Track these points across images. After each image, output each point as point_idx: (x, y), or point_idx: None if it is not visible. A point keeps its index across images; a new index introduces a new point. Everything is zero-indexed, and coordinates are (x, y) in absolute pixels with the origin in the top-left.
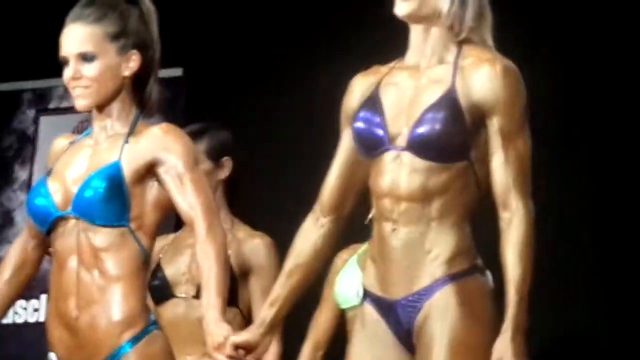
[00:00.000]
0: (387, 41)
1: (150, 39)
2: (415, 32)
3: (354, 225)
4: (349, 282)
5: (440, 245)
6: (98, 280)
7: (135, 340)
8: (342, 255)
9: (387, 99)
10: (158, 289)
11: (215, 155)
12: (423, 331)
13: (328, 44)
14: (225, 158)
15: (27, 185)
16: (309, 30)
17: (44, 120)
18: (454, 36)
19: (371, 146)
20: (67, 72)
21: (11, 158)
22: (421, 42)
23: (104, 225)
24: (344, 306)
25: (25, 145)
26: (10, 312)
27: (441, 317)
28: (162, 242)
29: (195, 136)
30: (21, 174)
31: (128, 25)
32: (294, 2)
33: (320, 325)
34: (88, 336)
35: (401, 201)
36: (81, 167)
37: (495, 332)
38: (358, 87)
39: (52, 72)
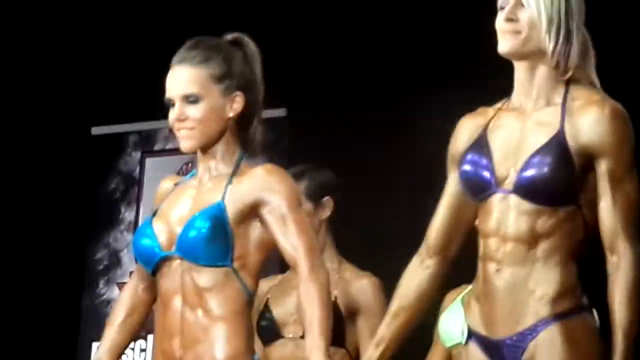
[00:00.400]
0: (490, 82)
1: (254, 80)
2: (519, 70)
3: (462, 264)
4: (453, 320)
5: (544, 285)
6: (202, 319)
7: None
8: (451, 295)
9: (495, 142)
10: (266, 330)
11: (316, 196)
12: None
13: (428, 88)
14: (326, 198)
15: (134, 226)
16: (410, 72)
17: (150, 162)
18: (559, 75)
19: (479, 189)
20: (172, 114)
21: (118, 199)
22: (526, 81)
23: (208, 265)
24: (448, 344)
25: (131, 187)
26: None
27: (547, 357)
28: (270, 282)
29: (296, 177)
30: (127, 215)
31: (232, 67)
32: (396, 45)
33: None
34: None
35: (507, 242)
36: (185, 207)
37: None
38: (465, 130)
39: (157, 114)
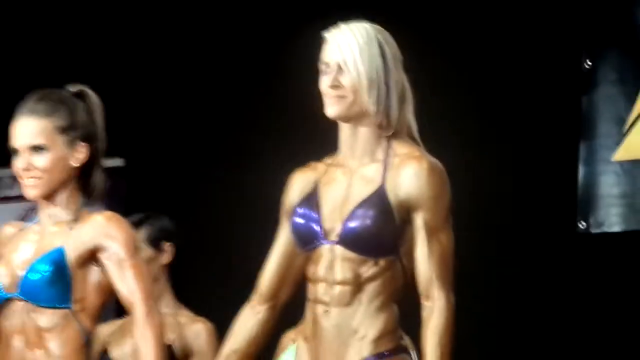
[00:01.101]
0: (318, 136)
1: (96, 130)
2: (345, 130)
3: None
4: None
5: (367, 326)
6: (42, 359)
7: None
8: (289, 334)
9: (324, 196)
10: None
11: (156, 242)
12: None
13: (260, 140)
14: (167, 244)
15: None
16: (243, 126)
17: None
18: (382, 132)
19: (308, 240)
20: (19, 163)
21: None
22: (351, 139)
23: (48, 307)
24: None
25: None
26: None
27: None
28: (110, 327)
29: (136, 225)
30: None
31: (76, 118)
32: (230, 100)
33: None
34: None
35: (335, 286)
36: (28, 252)
37: None
38: (297, 184)
39: (2, 161)
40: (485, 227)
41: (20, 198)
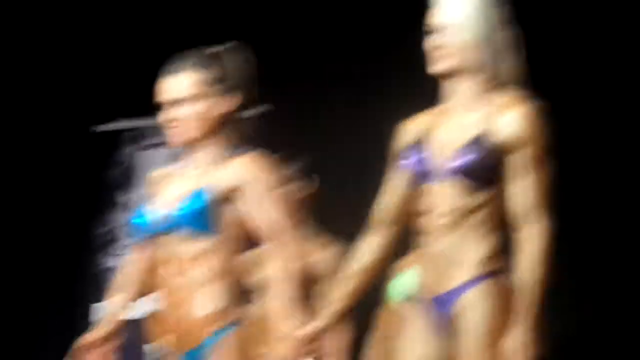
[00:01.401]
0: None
1: (248, 80)
2: (452, 83)
3: (407, 239)
4: (400, 283)
5: (473, 251)
6: (193, 281)
7: (223, 331)
8: (400, 263)
9: (432, 139)
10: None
11: (298, 178)
12: (459, 321)
13: (382, 92)
14: (306, 180)
15: (128, 208)
16: (372, 82)
17: (143, 155)
18: (486, 83)
19: (421, 175)
20: (170, 113)
21: (115, 186)
22: (457, 90)
23: (197, 237)
24: (397, 303)
25: (128, 175)
26: None
27: (474, 309)
28: (252, 255)
29: (280, 162)
30: (123, 199)
31: (225, 71)
32: (361, 53)
33: (384, 320)
34: (184, 327)
35: (445, 215)
36: (179, 189)
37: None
38: (412, 126)
39: (149, 112)
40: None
41: (168, 144)
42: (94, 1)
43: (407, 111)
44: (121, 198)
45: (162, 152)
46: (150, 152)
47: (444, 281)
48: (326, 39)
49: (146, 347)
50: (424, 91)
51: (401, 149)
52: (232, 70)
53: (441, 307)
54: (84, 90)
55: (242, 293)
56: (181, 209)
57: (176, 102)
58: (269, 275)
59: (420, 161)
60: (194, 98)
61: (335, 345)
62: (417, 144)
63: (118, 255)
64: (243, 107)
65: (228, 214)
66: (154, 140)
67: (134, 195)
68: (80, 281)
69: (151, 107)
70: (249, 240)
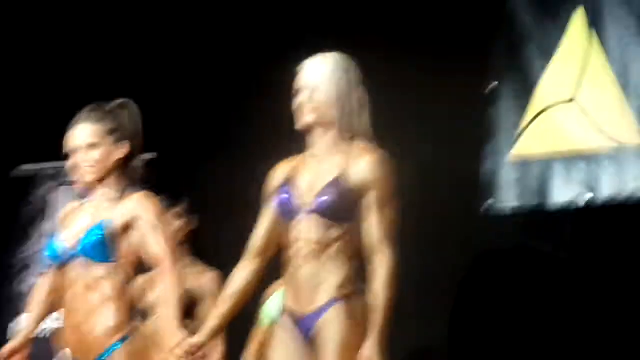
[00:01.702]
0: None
1: (137, 132)
2: (316, 133)
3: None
4: (273, 304)
5: (332, 275)
6: (97, 299)
7: (122, 341)
8: (272, 288)
9: (300, 178)
10: (142, 312)
11: (179, 215)
12: (320, 336)
13: (253, 141)
14: (185, 217)
15: (42, 238)
16: (241, 131)
17: (60, 190)
18: (344, 133)
19: (290, 211)
20: (78, 157)
21: (32, 219)
22: (321, 139)
23: (101, 262)
24: (267, 323)
25: (42, 210)
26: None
27: (332, 326)
28: (146, 277)
29: (167, 204)
30: (37, 231)
31: (121, 123)
32: (230, 111)
33: (258, 338)
34: (90, 338)
35: (308, 244)
36: (85, 221)
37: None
38: (280, 171)
39: (62, 156)
40: (417, 206)
41: (77, 183)
42: (14, 54)
43: (278, 158)
44: (36, 230)
45: (73, 190)
46: (63, 190)
47: (306, 304)
48: (209, 99)
49: (58, 356)
50: (292, 142)
51: (272, 190)
52: (123, 123)
53: (304, 326)
54: (5, 136)
55: (134, 311)
56: (82, 241)
57: (78, 150)
58: (158, 296)
59: (287, 200)
60: (92, 147)
61: (213, 357)
62: (285, 186)
63: (32, 279)
64: (133, 154)
65: (123, 243)
66: (67, 180)
67: (48, 227)
68: None
69: (63, 152)
70: (141, 266)
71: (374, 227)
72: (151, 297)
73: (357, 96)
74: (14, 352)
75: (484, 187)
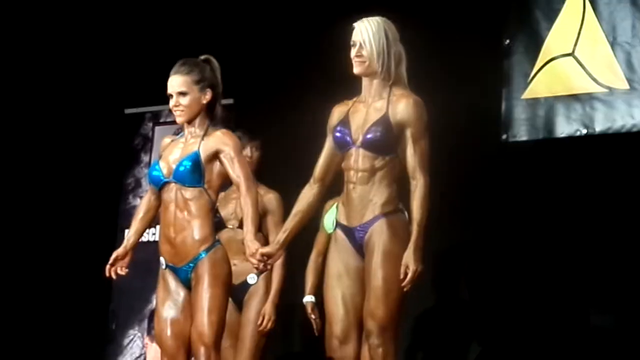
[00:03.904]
0: (349, 85)
1: (217, 82)
2: (365, 80)
3: (334, 188)
4: (330, 217)
5: (378, 196)
6: (187, 217)
7: (207, 250)
8: (329, 202)
9: (352, 119)
10: (217, 223)
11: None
12: (369, 245)
13: (320, 88)
14: (256, 148)
15: (148, 165)
16: (311, 80)
17: (157, 129)
18: (386, 81)
19: (344, 145)
20: (171, 102)
21: (139, 149)
22: (368, 86)
23: (190, 186)
24: (328, 231)
25: (147, 142)
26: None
27: (378, 236)
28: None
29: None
30: (144, 159)
31: (205, 75)
32: (299, 61)
33: (320, 242)
34: (182, 248)
35: (358, 172)
36: (177, 153)
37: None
38: (336, 113)
39: (163, 100)
40: (442, 139)
41: (174, 122)
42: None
43: (335, 102)
44: (144, 158)
45: (171, 127)
46: (163, 128)
47: (357, 219)
48: (277, 53)
49: (160, 260)
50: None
51: (330, 128)
52: (206, 74)
53: (355, 237)
54: (117, 81)
55: (219, 223)
56: (176, 169)
57: (178, 93)
58: (242, 209)
59: (341, 137)
60: (183, 94)
61: (279, 261)
62: (340, 125)
63: (141, 196)
64: (215, 100)
65: (207, 171)
66: (168, 119)
67: (152, 156)
68: (117, 215)
69: (164, 96)
70: (224, 185)
71: (410, 157)
72: (225, 211)
73: (395, 51)
74: (117, 259)
75: (502, 122)
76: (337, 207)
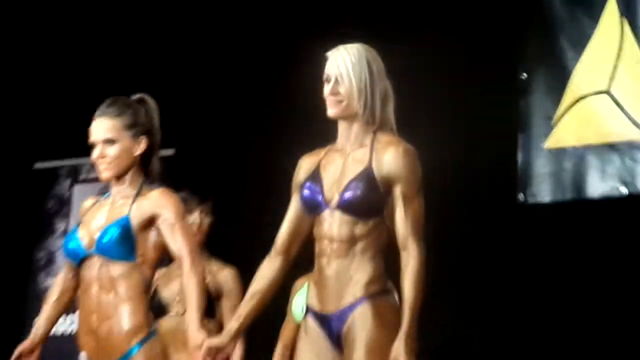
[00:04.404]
0: (323, 132)
1: (154, 127)
2: (342, 125)
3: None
4: (299, 301)
5: (359, 273)
6: (113, 300)
7: (140, 344)
8: (299, 281)
9: (325, 174)
10: (156, 308)
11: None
12: (348, 336)
13: (279, 134)
14: (205, 213)
15: (65, 234)
16: (266, 127)
17: (76, 188)
18: (369, 126)
19: (314, 207)
20: (95, 153)
21: (52, 215)
22: (346, 132)
23: (118, 261)
24: (297, 320)
25: (63, 205)
26: None
27: (361, 326)
28: (159, 273)
29: (185, 200)
30: (60, 226)
31: (138, 118)
32: (253, 105)
33: (286, 332)
34: (107, 341)
35: (334, 242)
36: (102, 219)
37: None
38: (304, 165)
39: (83, 152)
40: (446, 199)
41: (97, 180)
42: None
43: (305, 149)
44: (59, 225)
45: (94, 185)
46: (82, 186)
47: (333, 303)
48: (230, 88)
49: (79, 358)
50: (320, 131)
51: (297, 184)
52: (140, 117)
53: (330, 326)
54: (26, 131)
55: (156, 307)
56: (100, 239)
57: (104, 142)
58: (176, 293)
59: (311, 196)
60: (110, 142)
61: (237, 354)
62: (310, 180)
63: (56, 275)
64: (151, 150)
65: (141, 242)
66: (87, 176)
67: (67, 224)
68: (24, 298)
69: (84, 147)
70: (161, 260)
71: (400, 222)
72: (168, 292)
73: (380, 87)
74: (22, 356)
75: (518, 179)
76: (307, 287)
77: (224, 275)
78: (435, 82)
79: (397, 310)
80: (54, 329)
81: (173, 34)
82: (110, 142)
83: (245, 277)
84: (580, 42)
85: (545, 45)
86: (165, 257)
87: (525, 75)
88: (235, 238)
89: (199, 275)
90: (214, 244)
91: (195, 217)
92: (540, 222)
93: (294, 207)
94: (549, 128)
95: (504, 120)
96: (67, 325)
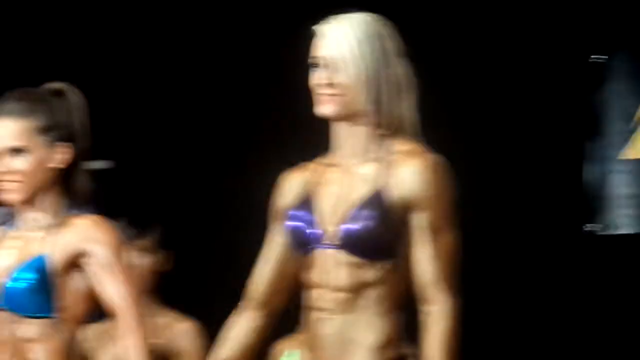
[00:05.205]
0: (308, 137)
1: (78, 130)
2: (339, 129)
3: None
4: None
5: (367, 335)
6: None
7: None
8: (280, 345)
9: (319, 198)
10: None
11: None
12: None
13: (250, 142)
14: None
15: None
16: (232, 129)
17: None
18: (379, 130)
19: (303, 243)
20: None
21: None
22: (345, 138)
23: (33, 317)
24: None
25: None
26: None
27: None
28: (95, 331)
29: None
30: None
31: (57, 117)
32: (218, 103)
33: None
34: None
35: (333, 292)
36: (9, 259)
37: None
38: (288, 185)
39: None
40: (489, 227)
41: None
42: None
43: (290, 160)
44: None
45: None
46: None
47: None
48: (182, 85)
49: None
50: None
51: (279, 212)
52: (60, 116)
53: None
54: None
55: None
56: (6, 288)
57: (9, 151)
58: (119, 354)
59: (301, 228)
60: (17, 152)
61: None
62: (298, 207)
63: None
64: (76, 161)
65: (64, 290)
66: None
67: None
68: None
69: None
70: (92, 314)
71: (425, 264)
72: (105, 356)
73: (396, 74)
74: None
75: (584, 201)
76: (293, 355)
77: (180, 331)
78: (473, 64)
79: None
80: None
81: (110, 22)
82: (17, 151)
83: (209, 333)
84: None
85: (628, 21)
86: (98, 310)
87: (598, 57)
88: (194, 282)
89: (141, 336)
90: (166, 290)
91: (138, 254)
92: (613, 260)
93: (274, 243)
94: (628, 132)
95: (563, 118)
96: None
